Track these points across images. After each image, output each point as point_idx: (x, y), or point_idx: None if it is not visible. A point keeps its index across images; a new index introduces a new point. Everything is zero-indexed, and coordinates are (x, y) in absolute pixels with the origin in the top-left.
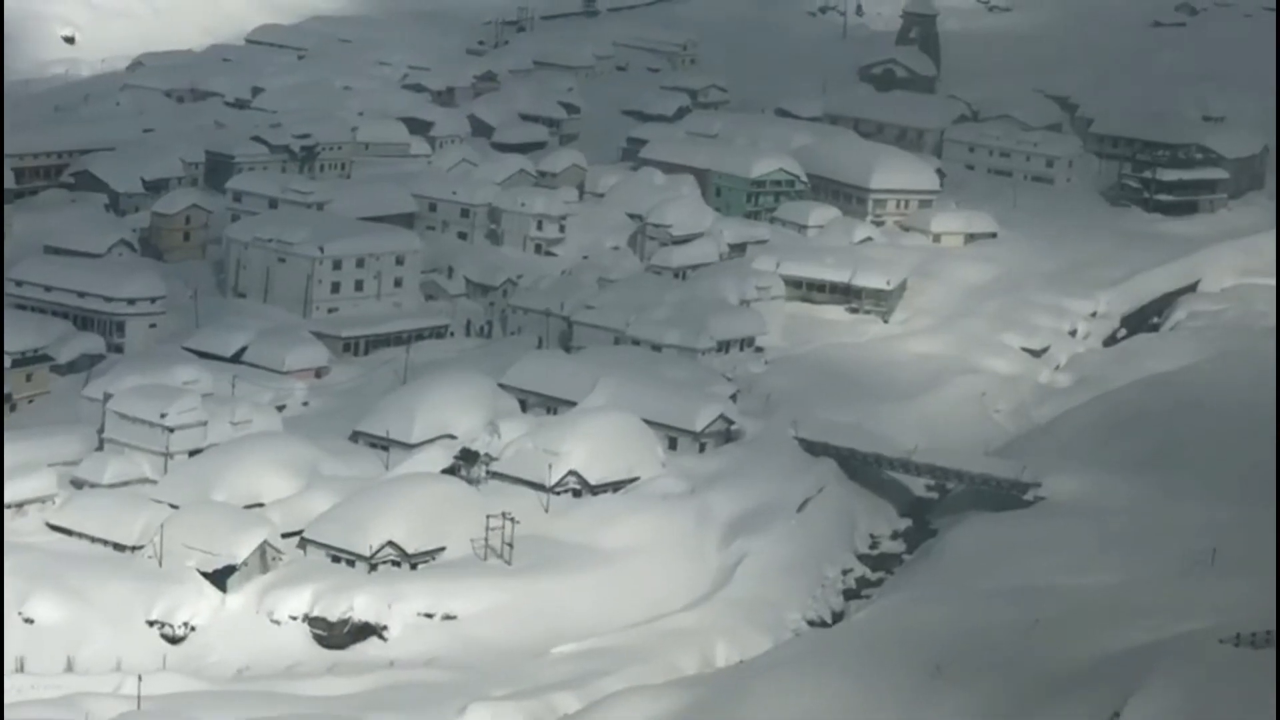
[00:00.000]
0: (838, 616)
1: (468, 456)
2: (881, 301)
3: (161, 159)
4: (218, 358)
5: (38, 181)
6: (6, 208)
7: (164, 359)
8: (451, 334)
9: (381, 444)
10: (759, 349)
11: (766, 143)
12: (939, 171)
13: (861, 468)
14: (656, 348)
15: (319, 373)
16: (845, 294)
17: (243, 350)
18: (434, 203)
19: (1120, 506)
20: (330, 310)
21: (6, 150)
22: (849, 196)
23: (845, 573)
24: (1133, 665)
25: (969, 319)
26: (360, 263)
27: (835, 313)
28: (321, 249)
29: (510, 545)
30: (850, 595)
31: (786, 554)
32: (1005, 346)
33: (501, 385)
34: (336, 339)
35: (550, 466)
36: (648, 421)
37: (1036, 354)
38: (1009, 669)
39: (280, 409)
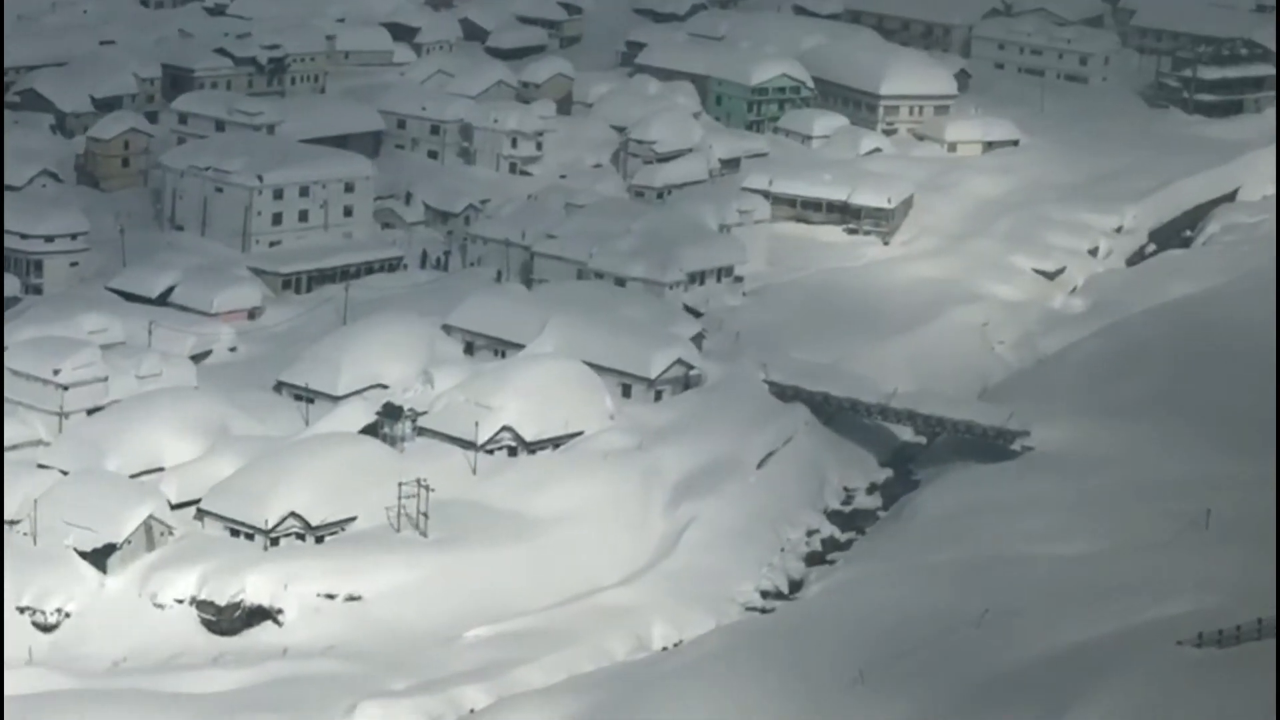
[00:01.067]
0: (796, 586)
1: (390, 412)
2: (882, 221)
3: (114, 75)
4: (143, 299)
5: None
6: None
7: (80, 302)
8: (404, 266)
9: (306, 396)
10: (738, 279)
11: (773, 45)
12: (963, 72)
13: (838, 414)
14: (620, 282)
15: (252, 314)
16: (843, 213)
17: (170, 290)
18: (402, 119)
19: (1114, 457)
20: (272, 244)
21: None
22: (859, 103)
23: (810, 534)
24: (1075, 672)
25: (978, 238)
26: (305, 191)
27: (832, 234)
28: (260, 178)
29: (425, 515)
30: (814, 560)
31: (742, 516)
32: (1015, 269)
33: (446, 327)
34: (276, 275)
35: (477, 423)
36: (599, 367)
37: (1050, 276)
38: (940, 673)
39: (202, 356)
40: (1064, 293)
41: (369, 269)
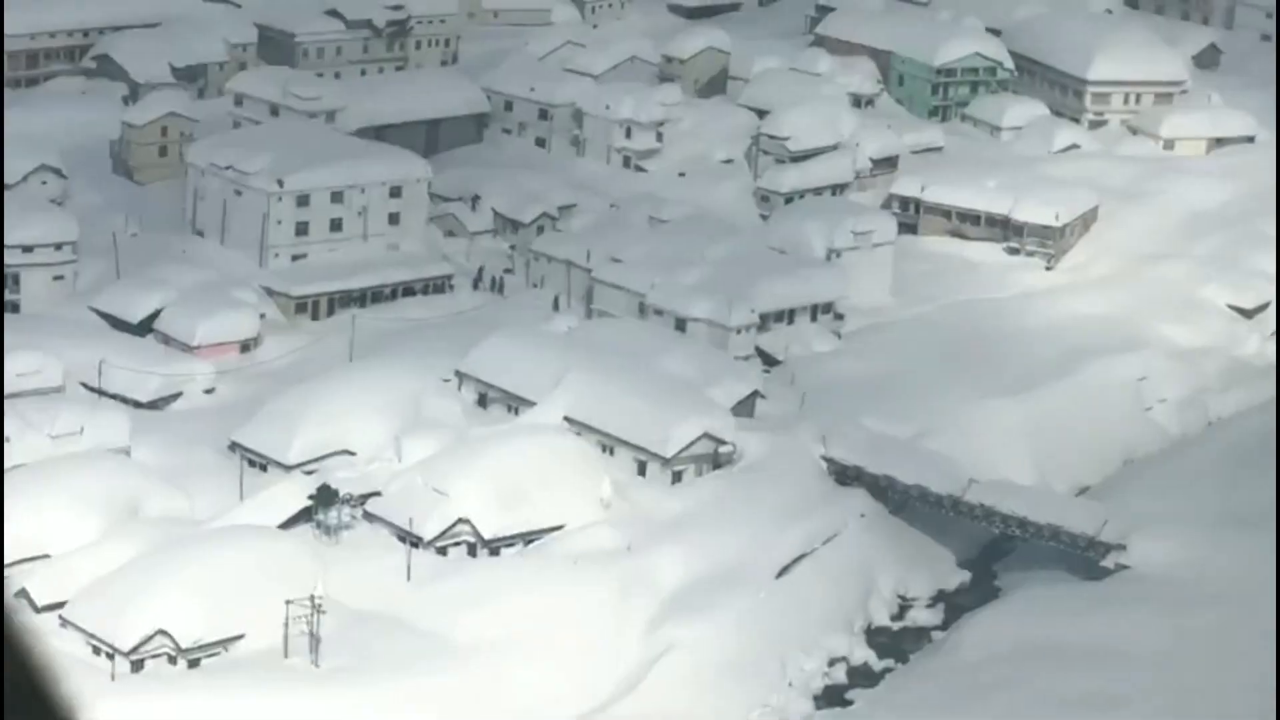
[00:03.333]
0: None
1: (324, 496)
2: (1048, 240)
3: (201, 39)
4: (125, 325)
5: (56, 65)
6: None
7: (55, 326)
8: (450, 288)
9: (259, 462)
10: (838, 316)
11: (977, 16)
12: (1213, 48)
13: (906, 502)
14: (680, 323)
15: (245, 346)
16: (1005, 229)
17: (156, 315)
18: (510, 100)
19: (1235, 590)
20: (295, 258)
21: (19, 29)
22: (1065, 88)
23: (834, 663)
24: None
25: (1168, 262)
26: (338, 197)
27: (989, 254)
28: (281, 181)
29: (318, 638)
30: (830, 698)
31: (744, 640)
32: (1204, 304)
33: (459, 373)
34: (287, 298)
35: (411, 519)
36: (616, 439)
37: (1248, 314)
38: None
39: (170, 400)
40: (1262, 335)
41: (409, 290)
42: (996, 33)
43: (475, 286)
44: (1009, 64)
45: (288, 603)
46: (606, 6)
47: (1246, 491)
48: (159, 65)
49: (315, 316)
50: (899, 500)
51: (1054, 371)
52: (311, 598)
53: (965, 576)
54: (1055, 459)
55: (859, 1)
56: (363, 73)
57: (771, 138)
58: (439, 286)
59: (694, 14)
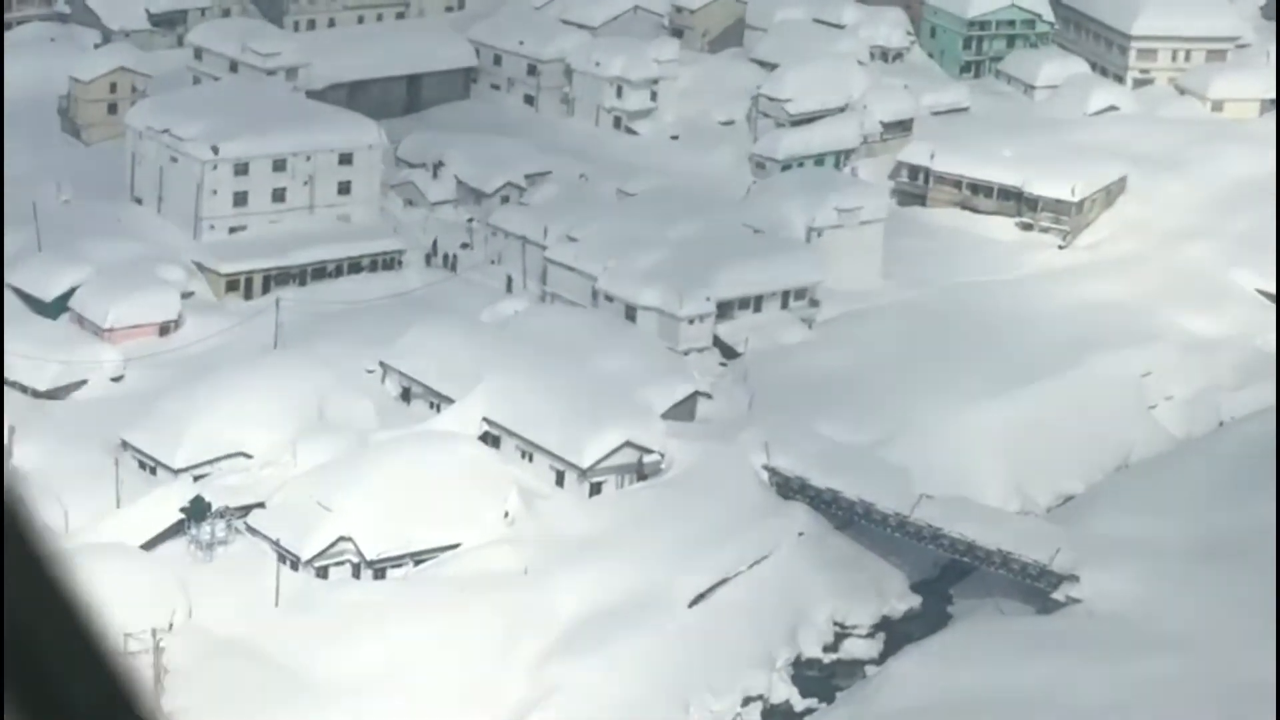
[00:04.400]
0: None
1: (197, 509)
2: (1063, 216)
3: None
4: (39, 303)
5: (29, 10)
6: None
7: None
8: (399, 264)
9: (149, 464)
10: (814, 303)
11: None
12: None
13: (851, 519)
14: (630, 311)
15: (164, 329)
16: (1019, 202)
17: (71, 293)
18: (499, 54)
19: (1186, 636)
20: (233, 230)
21: None
22: (1109, 43)
23: (748, 703)
24: None
25: (1198, 241)
26: (280, 165)
27: (1001, 229)
28: (215, 148)
29: (161, 671)
30: None
31: (641, 679)
32: (1231, 289)
33: (384, 365)
34: (216, 275)
35: (287, 537)
36: (535, 447)
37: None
38: None
39: (73, 388)
40: None
41: (355, 266)
42: None
43: (428, 263)
44: (1049, 16)
45: (126, 635)
46: None
47: (1239, 512)
48: (134, 11)
49: (248, 296)
50: (844, 517)
51: (1051, 365)
52: (153, 631)
53: (915, 602)
54: (1039, 465)
55: None
56: (360, 20)
57: (771, 99)
58: (388, 263)
59: None
